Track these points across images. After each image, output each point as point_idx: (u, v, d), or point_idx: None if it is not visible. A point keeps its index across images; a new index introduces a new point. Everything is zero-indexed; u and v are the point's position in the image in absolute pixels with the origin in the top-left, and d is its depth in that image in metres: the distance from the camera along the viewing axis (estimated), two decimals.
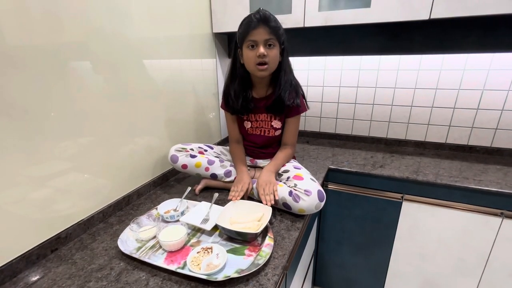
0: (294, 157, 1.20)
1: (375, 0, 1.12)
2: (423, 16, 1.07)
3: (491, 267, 1.16)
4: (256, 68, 0.94)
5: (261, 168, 1.14)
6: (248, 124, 1.12)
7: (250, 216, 0.86)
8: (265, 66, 0.94)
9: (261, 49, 0.91)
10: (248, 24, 0.91)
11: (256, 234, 0.77)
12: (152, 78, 1.09)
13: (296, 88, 1.03)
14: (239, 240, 0.79)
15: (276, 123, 1.08)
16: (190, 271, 0.66)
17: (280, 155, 1.08)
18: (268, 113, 1.07)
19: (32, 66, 0.69)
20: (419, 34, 1.30)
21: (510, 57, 1.25)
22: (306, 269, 1.28)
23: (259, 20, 0.89)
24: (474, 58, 1.30)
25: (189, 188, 1.03)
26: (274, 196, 0.90)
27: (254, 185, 1.03)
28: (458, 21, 1.20)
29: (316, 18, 1.23)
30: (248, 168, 1.11)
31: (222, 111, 1.65)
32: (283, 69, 1.00)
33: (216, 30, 1.45)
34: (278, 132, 1.10)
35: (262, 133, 1.11)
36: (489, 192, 1.07)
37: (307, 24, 1.25)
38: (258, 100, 1.07)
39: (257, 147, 1.15)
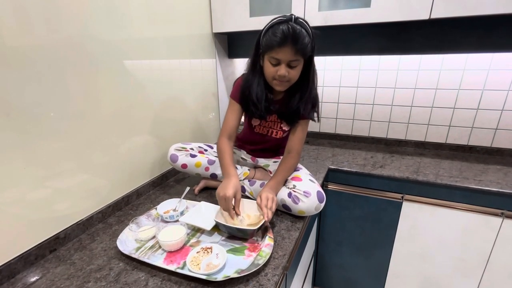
0: None
1: (374, 0, 1.12)
2: (423, 16, 1.07)
3: (492, 267, 1.16)
4: (274, 82, 0.88)
5: (261, 167, 1.13)
6: (257, 122, 1.05)
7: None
8: (283, 82, 0.87)
9: (283, 70, 0.83)
10: (274, 38, 0.80)
11: (255, 230, 0.77)
12: (152, 78, 1.09)
13: (314, 101, 0.96)
14: (239, 236, 0.79)
15: (286, 125, 1.03)
16: (190, 271, 0.66)
17: (282, 168, 0.95)
18: (279, 118, 1.02)
19: (30, 65, 0.69)
20: (418, 34, 1.30)
21: (510, 57, 1.25)
22: (306, 270, 1.27)
23: (287, 37, 0.79)
24: (474, 58, 1.30)
25: (188, 188, 1.02)
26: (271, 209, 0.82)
27: (253, 187, 1.02)
28: (458, 21, 1.20)
29: (316, 18, 1.23)
30: (248, 168, 1.11)
31: (222, 111, 1.65)
32: (306, 81, 0.91)
33: (216, 30, 1.44)
34: (286, 134, 1.06)
35: (269, 134, 1.06)
36: (489, 192, 1.07)
37: None
38: (273, 101, 0.99)
39: (259, 149, 1.12)
